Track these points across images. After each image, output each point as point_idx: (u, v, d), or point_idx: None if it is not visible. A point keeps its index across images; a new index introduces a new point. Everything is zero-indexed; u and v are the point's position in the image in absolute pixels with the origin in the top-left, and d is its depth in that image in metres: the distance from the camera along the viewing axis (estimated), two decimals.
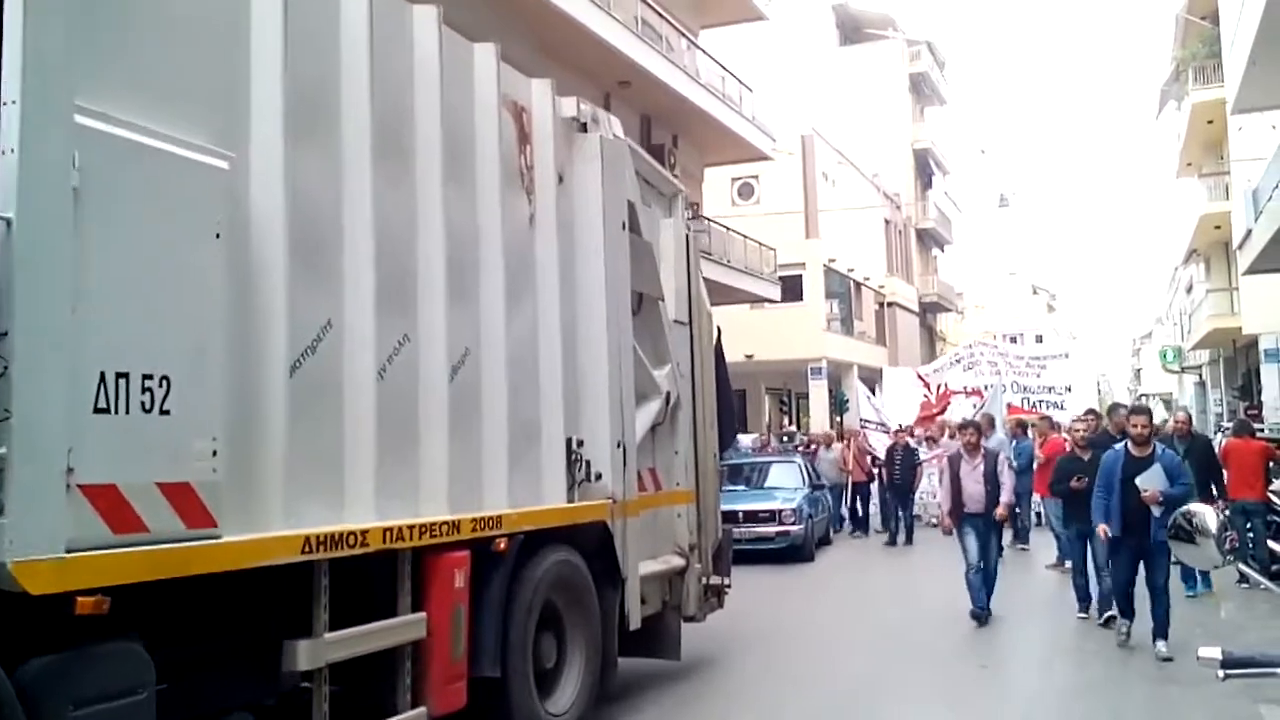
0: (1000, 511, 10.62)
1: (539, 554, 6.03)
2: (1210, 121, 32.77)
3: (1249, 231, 24.61)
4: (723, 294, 27.37)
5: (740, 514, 15.45)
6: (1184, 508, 3.17)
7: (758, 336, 33.78)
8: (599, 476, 6.50)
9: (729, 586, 8.59)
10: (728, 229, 27.72)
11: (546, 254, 6.31)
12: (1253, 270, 25.35)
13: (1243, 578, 9.94)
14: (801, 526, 15.71)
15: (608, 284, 6.61)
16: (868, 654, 9.50)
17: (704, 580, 8.05)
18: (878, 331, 43.99)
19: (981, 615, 10.49)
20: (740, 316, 32.15)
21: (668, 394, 7.50)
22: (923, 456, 18.94)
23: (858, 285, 41.49)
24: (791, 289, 33.65)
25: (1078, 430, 10.96)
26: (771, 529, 15.68)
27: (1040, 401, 20.29)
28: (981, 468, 10.68)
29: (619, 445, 6.66)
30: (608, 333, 6.60)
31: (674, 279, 7.85)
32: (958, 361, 22.59)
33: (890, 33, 49.95)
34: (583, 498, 6.45)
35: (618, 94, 23.71)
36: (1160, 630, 8.91)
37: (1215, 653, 2.61)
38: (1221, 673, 2.62)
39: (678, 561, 7.68)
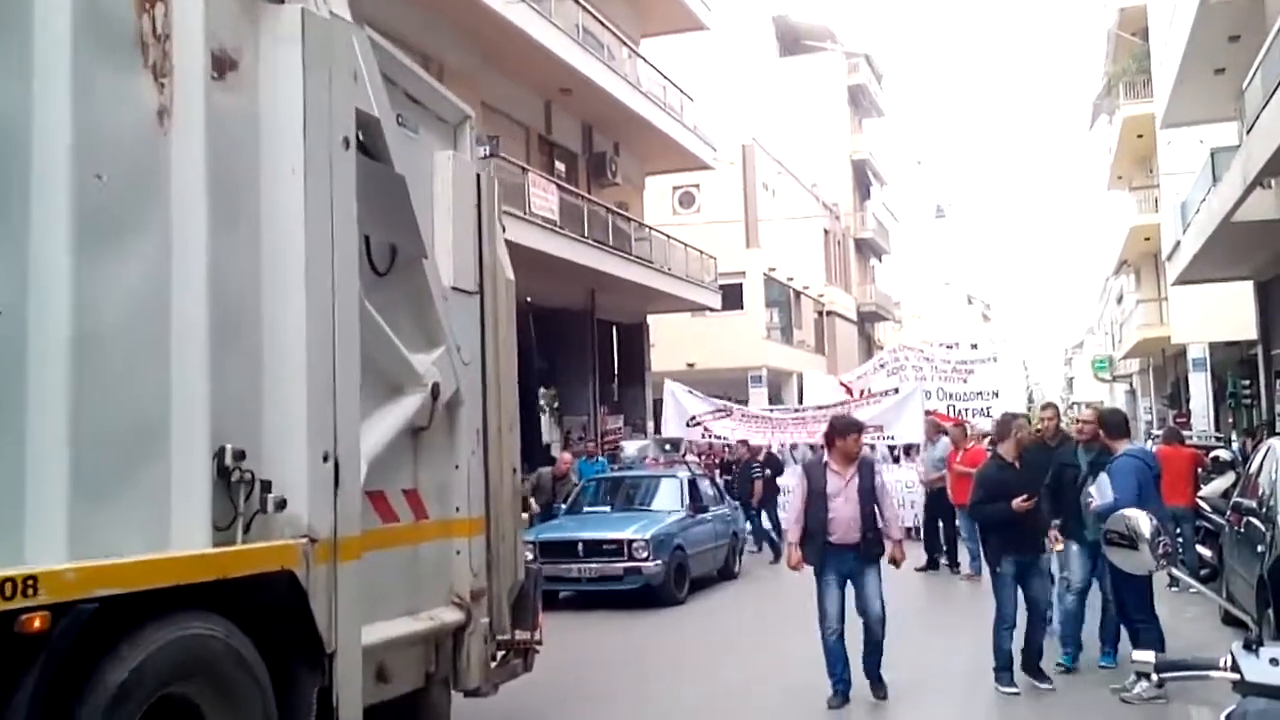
0: (896, 552, 7.37)
1: (145, 629, 3.50)
2: (1140, 135, 31.83)
3: (1178, 243, 23.66)
4: (664, 302, 25.69)
5: (580, 545, 11.93)
6: (1119, 513, 3.03)
7: (698, 344, 32.18)
8: (282, 504, 4.00)
9: (539, 644, 5.89)
10: (669, 237, 25.96)
11: (189, 170, 3.75)
12: (1181, 281, 24.56)
13: (1173, 581, 9.64)
14: (659, 562, 11.73)
15: (310, 223, 4.12)
16: None
17: (497, 639, 5.48)
18: (817, 340, 42.23)
19: (839, 698, 7.23)
20: (681, 324, 30.39)
21: (435, 387, 4.99)
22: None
23: (797, 294, 39.79)
24: (732, 298, 32.02)
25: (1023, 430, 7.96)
26: (618, 565, 11.73)
27: (966, 408, 17.66)
28: (856, 483, 7.27)
29: (326, 457, 4.17)
30: (308, 293, 4.09)
31: (455, 233, 5.29)
32: (881, 366, 19.87)
33: (829, 45, 48.17)
34: (259, 536, 3.94)
35: (559, 101, 22.19)
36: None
37: (1149, 656, 2.57)
38: (1155, 676, 2.59)
39: (452, 617, 5.11)
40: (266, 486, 3.96)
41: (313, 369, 4.12)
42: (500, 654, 5.51)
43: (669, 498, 13.41)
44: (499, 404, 5.59)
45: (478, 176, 5.54)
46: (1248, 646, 2.38)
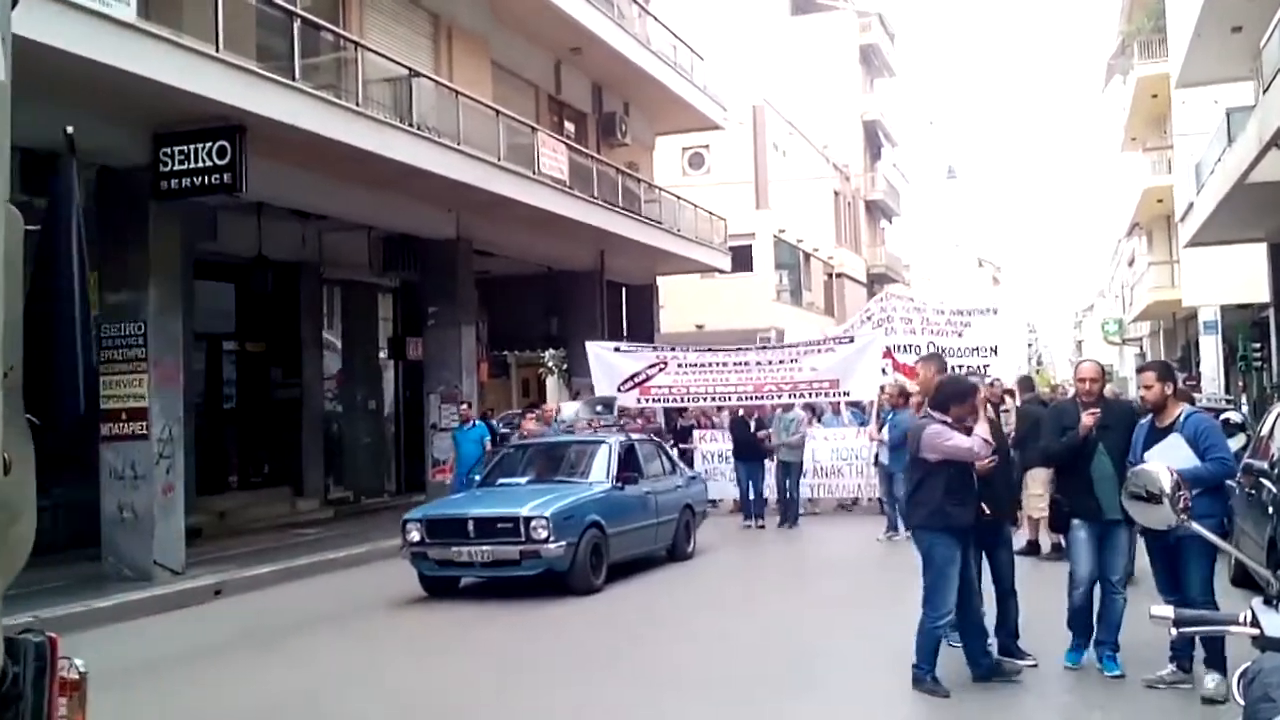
0: None
1: None
2: (1155, 96, 31.42)
3: (1191, 205, 23.42)
4: (673, 263, 25.55)
5: (470, 525, 10.32)
6: (1139, 468, 3.01)
7: (708, 306, 32.07)
8: None
9: None
10: (678, 198, 25.71)
11: None
12: (1194, 243, 24.21)
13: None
14: (563, 543, 9.99)
15: None
16: None
17: None
18: (826, 302, 42.08)
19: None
20: (690, 286, 30.27)
21: None
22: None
23: (807, 256, 39.58)
24: (741, 259, 31.67)
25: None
26: (514, 548, 10.06)
27: (962, 365, 15.10)
28: None
29: None
30: None
31: None
32: (868, 318, 17.63)
33: (841, 3, 47.56)
34: None
35: (569, 60, 21.94)
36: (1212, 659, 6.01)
37: (1168, 611, 2.56)
38: (1174, 631, 2.65)
39: None
40: None
41: None
42: None
43: (596, 467, 11.54)
44: None
45: None
46: (1268, 602, 2.37)
